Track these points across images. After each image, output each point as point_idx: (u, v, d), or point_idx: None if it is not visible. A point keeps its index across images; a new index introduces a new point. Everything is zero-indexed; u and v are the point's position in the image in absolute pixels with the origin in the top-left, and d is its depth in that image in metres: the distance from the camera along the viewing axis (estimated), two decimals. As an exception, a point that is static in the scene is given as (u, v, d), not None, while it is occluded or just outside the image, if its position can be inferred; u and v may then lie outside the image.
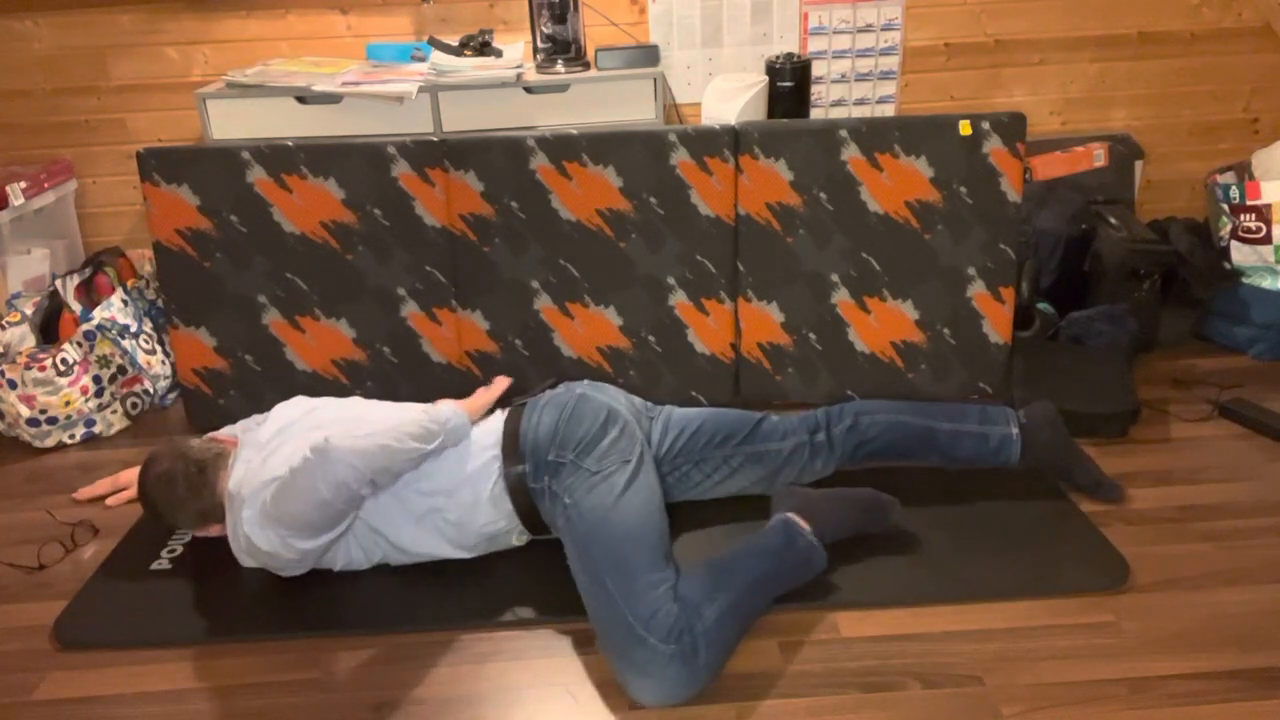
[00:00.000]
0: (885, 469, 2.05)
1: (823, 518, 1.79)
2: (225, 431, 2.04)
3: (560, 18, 2.70)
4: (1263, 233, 2.63)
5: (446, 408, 1.84)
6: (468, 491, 1.78)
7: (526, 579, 1.81)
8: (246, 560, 1.76)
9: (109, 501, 2.15)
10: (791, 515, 1.78)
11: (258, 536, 1.68)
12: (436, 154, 2.28)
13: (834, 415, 2.02)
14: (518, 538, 1.87)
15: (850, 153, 2.26)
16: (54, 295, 2.52)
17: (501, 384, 2.08)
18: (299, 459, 1.66)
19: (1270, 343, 2.60)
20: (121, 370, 2.47)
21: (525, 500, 1.78)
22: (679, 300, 2.36)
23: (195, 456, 1.83)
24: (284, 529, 1.66)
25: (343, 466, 1.62)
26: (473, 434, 1.84)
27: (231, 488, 1.75)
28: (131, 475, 2.15)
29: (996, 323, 2.36)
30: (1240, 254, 2.68)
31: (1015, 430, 2.01)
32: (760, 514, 1.87)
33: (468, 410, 1.88)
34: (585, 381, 1.98)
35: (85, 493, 2.18)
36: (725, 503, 2.01)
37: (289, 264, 2.33)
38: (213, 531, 1.88)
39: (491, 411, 1.96)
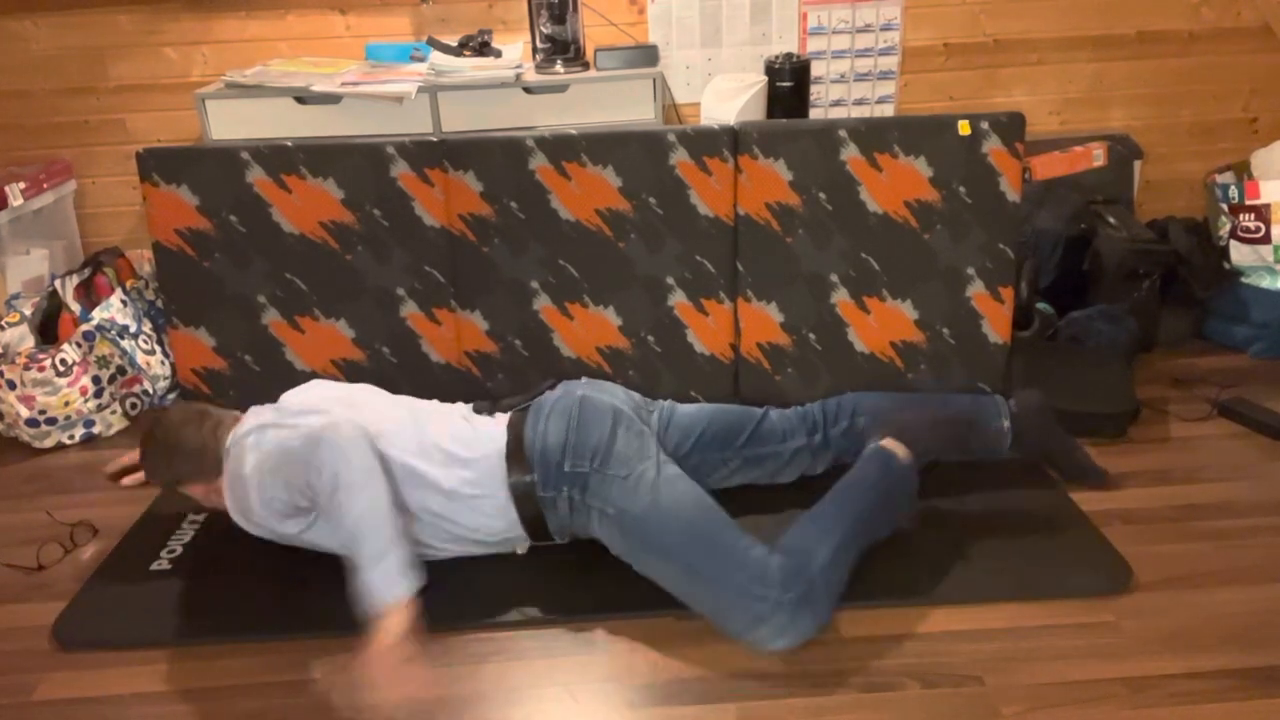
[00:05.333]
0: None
1: (914, 440, 1.87)
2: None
3: (559, 18, 2.70)
4: (1262, 232, 2.63)
5: None
6: (468, 499, 1.77)
7: (526, 579, 1.81)
8: (239, 518, 1.77)
9: (124, 481, 2.15)
10: (884, 444, 1.85)
11: (252, 494, 1.70)
12: (436, 154, 2.28)
13: (830, 414, 2.06)
14: (520, 548, 1.86)
15: (849, 153, 2.26)
16: (53, 296, 2.52)
17: None
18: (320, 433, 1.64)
19: (1269, 342, 2.60)
20: (121, 371, 2.47)
21: (532, 509, 1.77)
22: (678, 300, 2.36)
23: (211, 411, 1.88)
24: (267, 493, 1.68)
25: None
26: (473, 440, 1.81)
27: (231, 439, 1.77)
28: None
29: (996, 323, 2.36)
30: (1239, 254, 2.68)
31: (1006, 423, 2.04)
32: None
33: None
34: (584, 380, 1.97)
35: (113, 466, 2.18)
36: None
37: (288, 264, 2.33)
38: (197, 491, 1.87)
39: (492, 413, 1.93)
